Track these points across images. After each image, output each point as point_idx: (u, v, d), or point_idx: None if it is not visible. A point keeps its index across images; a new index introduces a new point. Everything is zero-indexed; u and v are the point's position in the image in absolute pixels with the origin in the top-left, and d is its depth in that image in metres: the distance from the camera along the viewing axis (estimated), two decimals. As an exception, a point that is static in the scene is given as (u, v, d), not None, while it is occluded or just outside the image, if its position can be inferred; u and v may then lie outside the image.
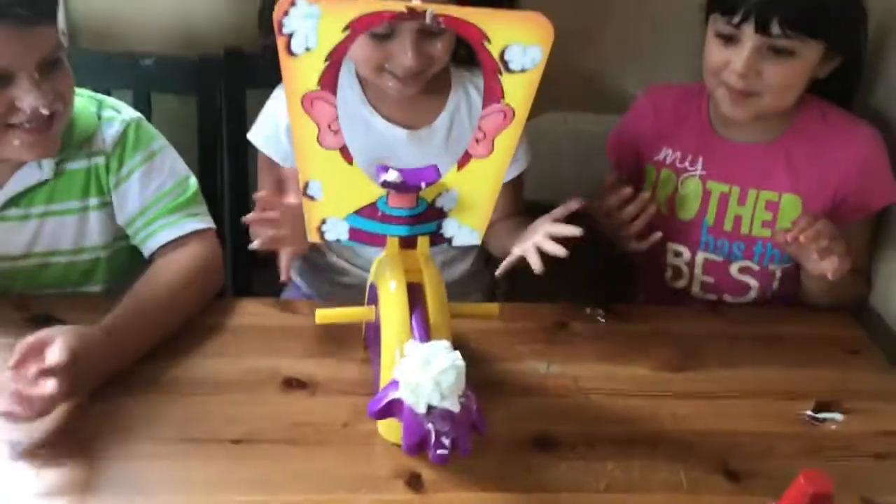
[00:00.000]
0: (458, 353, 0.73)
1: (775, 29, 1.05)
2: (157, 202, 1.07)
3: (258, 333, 1.01)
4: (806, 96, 1.16)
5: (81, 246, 1.08)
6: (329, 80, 0.80)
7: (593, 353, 1.03)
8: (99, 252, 1.09)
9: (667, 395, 0.97)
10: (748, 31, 1.06)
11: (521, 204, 1.27)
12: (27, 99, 0.94)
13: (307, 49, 0.78)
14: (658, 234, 1.12)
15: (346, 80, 1.17)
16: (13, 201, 1.04)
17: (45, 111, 0.95)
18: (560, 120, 1.51)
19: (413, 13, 0.78)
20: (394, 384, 0.74)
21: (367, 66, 1.10)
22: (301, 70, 0.79)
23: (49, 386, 0.80)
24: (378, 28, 1.00)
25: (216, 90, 1.33)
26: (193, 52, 1.34)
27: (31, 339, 0.85)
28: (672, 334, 1.08)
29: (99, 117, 1.08)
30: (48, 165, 1.04)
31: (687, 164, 1.21)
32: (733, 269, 1.22)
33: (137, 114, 1.12)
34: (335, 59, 0.79)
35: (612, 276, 1.38)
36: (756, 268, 1.20)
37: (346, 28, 0.78)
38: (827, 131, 1.16)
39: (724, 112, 1.15)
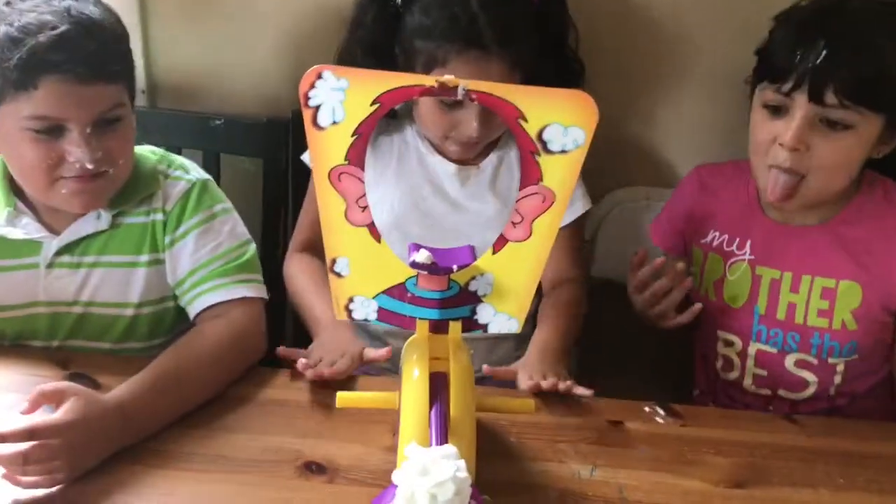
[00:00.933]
0: (462, 462, 0.66)
1: (830, 98, 0.96)
2: (209, 263, 1.06)
3: (285, 408, 0.97)
4: (867, 173, 1.06)
5: (125, 301, 1.08)
6: (357, 154, 0.77)
7: (645, 458, 0.93)
8: (142, 308, 1.08)
9: (724, 515, 0.86)
10: (800, 99, 0.98)
11: (577, 260, 1.22)
12: (75, 153, 0.96)
13: (334, 122, 0.75)
14: (698, 306, 1.05)
15: (407, 118, 1.22)
16: (67, 248, 1.05)
17: (90, 166, 0.97)
18: (641, 195, 1.43)
19: (444, 88, 0.73)
20: (392, 489, 0.67)
21: (433, 132, 1.16)
22: (328, 144, 0.76)
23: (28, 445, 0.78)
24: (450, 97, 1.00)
25: (282, 152, 1.33)
26: (267, 113, 1.35)
27: (46, 387, 0.84)
28: (737, 443, 0.96)
29: (166, 176, 1.09)
30: (106, 217, 1.05)
31: (734, 247, 1.12)
32: (789, 361, 1.11)
33: (206, 175, 1.12)
34: (363, 133, 0.75)
35: (678, 367, 1.28)
36: (814, 361, 1.09)
37: (374, 102, 0.74)
38: (891, 212, 1.05)
39: (768, 201, 1.07)
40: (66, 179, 0.98)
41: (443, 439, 0.73)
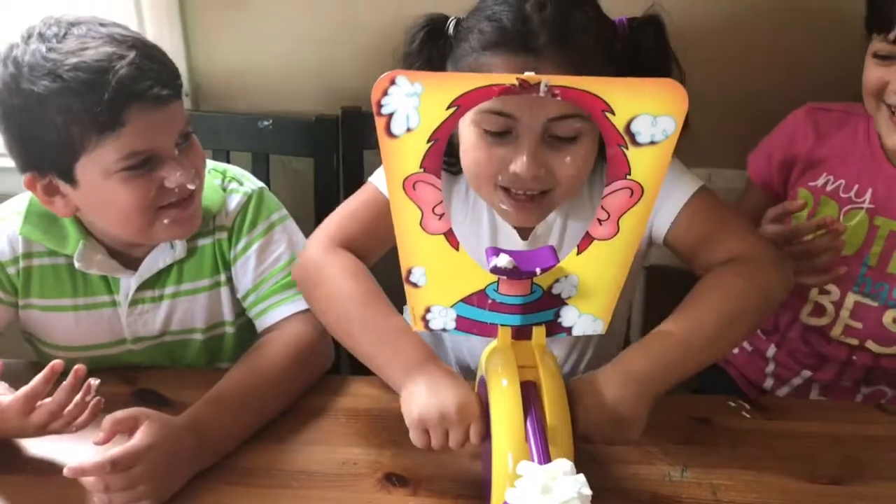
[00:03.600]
0: (582, 477, 0.63)
1: None
2: (272, 276, 1.03)
3: (359, 418, 0.95)
4: None
5: (215, 322, 1.06)
6: (433, 162, 0.73)
7: (736, 456, 0.90)
8: (232, 327, 1.07)
9: (825, 514, 0.83)
10: None
11: (738, 230, 0.95)
12: (174, 177, 0.91)
13: (408, 129, 0.71)
14: (843, 269, 1.01)
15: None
16: (147, 283, 1.02)
17: (192, 187, 0.93)
18: (704, 176, 1.38)
19: (525, 85, 0.69)
20: (502, 509, 0.65)
21: (478, 174, 0.88)
22: (402, 152, 0.72)
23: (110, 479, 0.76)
24: (493, 125, 0.85)
25: (333, 151, 1.29)
26: (314, 110, 1.31)
27: (118, 415, 0.82)
28: (833, 437, 0.93)
29: (224, 190, 1.05)
30: (180, 244, 1.01)
31: (852, 194, 1.08)
32: (887, 317, 1.07)
33: (260, 184, 1.08)
34: (439, 138, 0.72)
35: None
36: None
37: (451, 105, 0.70)
38: None
39: (884, 141, 1.03)
40: (165, 209, 0.93)
41: (545, 451, 0.70)
